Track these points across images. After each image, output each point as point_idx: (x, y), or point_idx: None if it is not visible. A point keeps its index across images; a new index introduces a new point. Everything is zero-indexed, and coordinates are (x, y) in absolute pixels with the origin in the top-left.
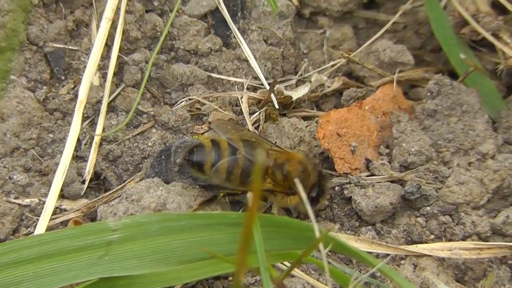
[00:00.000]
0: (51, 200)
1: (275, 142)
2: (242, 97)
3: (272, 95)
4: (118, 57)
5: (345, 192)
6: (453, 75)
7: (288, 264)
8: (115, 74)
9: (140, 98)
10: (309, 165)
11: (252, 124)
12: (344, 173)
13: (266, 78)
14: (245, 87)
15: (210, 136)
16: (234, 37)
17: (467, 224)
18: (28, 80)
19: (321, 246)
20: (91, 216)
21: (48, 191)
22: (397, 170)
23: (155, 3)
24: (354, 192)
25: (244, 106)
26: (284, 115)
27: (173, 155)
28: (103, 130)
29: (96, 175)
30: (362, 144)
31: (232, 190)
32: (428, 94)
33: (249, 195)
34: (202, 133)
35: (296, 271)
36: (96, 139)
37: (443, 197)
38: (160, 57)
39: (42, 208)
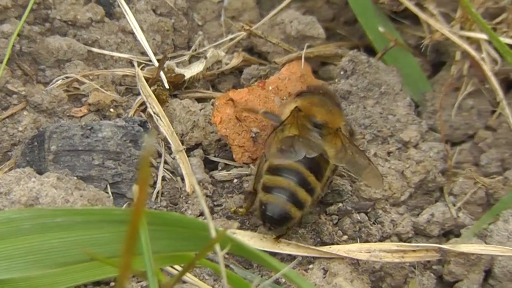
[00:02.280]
0: None
1: None
2: (124, 76)
3: (162, 73)
4: None
5: (245, 185)
6: (371, 51)
7: (180, 268)
8: None
9: (10, 76)
10: None
11: (139, 107)
12: (244, 163)
13: (155, 54)
14: (136, 65)
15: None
16: (119, 6)
17: (385, 223)
18: None
19: (217, 247)
20: None
21: None
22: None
23: None
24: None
25: (142, 85)
26: (175, 96)
27: (47, 141)
28: None
29: None
30: (265, 130)
31: None
32: (341, 72)
33: (135, 188)
34: (81, 117)
35: (188, 276)
36: None
37: (358, 192)
38: (33, 28)
39: None
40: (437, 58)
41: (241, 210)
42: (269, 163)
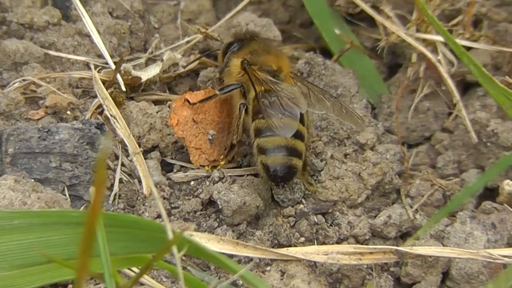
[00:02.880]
0: None
1: None
2: (81, 78)
3: (118, 75)
4: None
5: (202, 187)
6: (327, 53)
7: (137, 270)
8: None
9: None
10: None
11: (96, 109)
12: (201, 165)
13: (112, 56)
14: (93, 67)
15: None
16: (75, 9)
17: (342, 225)
18: None
19: (174, 249)
20: None
21: None
22: None
23: None
24: (214, 187)
25: (99, 88)
26: (132, 98)
27: (4, 144)
28: None
29: None
30: (221, 133)
31: None
32: (298, 74)
33: (92, 190)
34: (38, 119)
35: (146, 278)
36: None
37: (315, 193)
38: None
39: None
40: (393, 60)
41: (221, 162)
42: (256, 125)
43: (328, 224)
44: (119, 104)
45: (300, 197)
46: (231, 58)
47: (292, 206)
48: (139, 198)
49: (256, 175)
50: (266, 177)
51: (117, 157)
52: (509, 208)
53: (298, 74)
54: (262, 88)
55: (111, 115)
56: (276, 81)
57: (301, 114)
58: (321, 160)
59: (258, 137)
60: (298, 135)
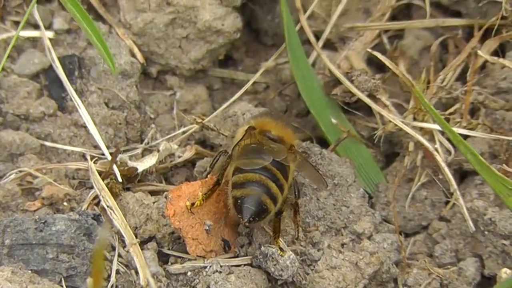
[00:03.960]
0: None
1: None
2: (77, 169)
3: (115, 166)
4: None
5: (199, 278)
6: (323, 143)
7: None
8: None
9: None
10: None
11: (92, 200)
12: (198, 256)
13: (108, 147)
14: (89, 158)
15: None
16: (71, 100)
17: None
18: None
19: None
20: None
21: None
22: (258, 252)
23: None
24: (211, 278)
25: (95, 179)
26: (128, 189)
27: (1, 235)
28: None
29: None
30: (218, 223)
31: None
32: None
33: (89, 281)
34: (34, 210)
35: None
36: None
37: (311, 283)
38: None
39: None
40: (390, 149)
41: (198, 201)
42: (235, 166)
43: None
44: (115, 195)
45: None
46: (243, 124)
47: None
48: None
49: (253, 265)
50: (234, 211)
51: (113, 248)
52: None
53: (300, 151)
54: (250, 140)
55: (107, 206)
56: (268, 138)
57: (284, 169)
58: (318, 250)
59: (233, 175)
60: (274, 180)
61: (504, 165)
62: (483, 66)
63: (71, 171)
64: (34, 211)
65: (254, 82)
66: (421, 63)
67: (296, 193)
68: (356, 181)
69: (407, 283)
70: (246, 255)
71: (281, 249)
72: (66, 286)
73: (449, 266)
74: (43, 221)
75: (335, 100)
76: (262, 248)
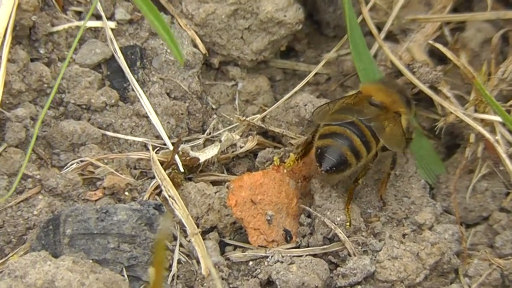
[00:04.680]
0: None
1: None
2: (139, 159)
3: (176, 156)
4: None
5: (261, 267)
6: None
7: None
8: None
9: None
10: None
11: (154, 190)
12: (259, 246)
13: (169, 137)
14: (151, 148)
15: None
16: (133, 90)
17: None
18: None
19: None
20: None
21: None
22: (320, 243)
23: (41, 51)
24: (272, 268)
25: (157, 169)
26: (190, 179)
27: (62, 225)
28: None
29: None
30: (279, 213)
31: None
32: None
33: (150, 270)
34: (96, 200)
35: None
36: None
37: (374, 274)
38: (47, 112)
39: None
40: (451, 141)
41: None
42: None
43: None
44: (177, 185)
45: (360, 278)
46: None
47: (351, 287)
48: (197, 278)
49: (315, 255)
50: (315, 163)
51: (175, 238)
52: None
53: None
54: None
55: (169, 196)
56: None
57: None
58: (380, 240)
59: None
60: (360, 135)
61: None
62: None
63: (132, 161)
64: (95, 200)
65: (316, 74)
66: (482, 56)
67: (392, 164)
68: (417, 172)
69: (468, 274)
70: (308, 246)
71: (350, 217)
72: (127, 275)
73: (509, 257)
74: (104, 211)
75: None
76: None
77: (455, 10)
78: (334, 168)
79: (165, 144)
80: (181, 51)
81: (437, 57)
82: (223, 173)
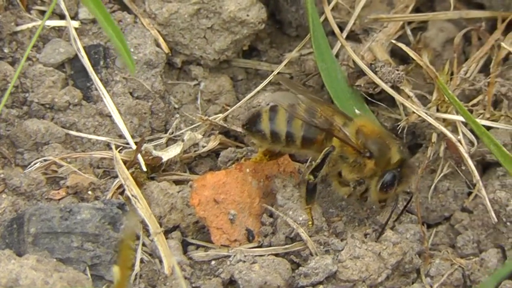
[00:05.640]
0: None
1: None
2: (102, 158)
3: (139, 156)
4: None
5: (223, 267)
6: None
7: None
8: None
9: None
10: (391, 139)
11: (117, 189)
12: (222, 245)
13: (132, 137)
14: (114, 148)
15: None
16: (96, 89)
17: None
18: None
19: None
20: None
21: None
22: (282, 242)
23: (6, 50)
24: (235, 267)
25: (120, 168)
26: (152, 178)
27: (26, 224)
28: None
29: None
30: (242, 213)
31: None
32: None
33: (114, 269)
34: (59, 199)
35: None
36: None
37: (335, 274)
38: (10, 112)
39: None
40: (414, 140)
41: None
42: None
43: None
44: (140, 184)
45: (322, 277)
46: None
47: (313, 286)
48: (160, 278)
49: (277, 254)
50: None
51: (138, 237)
52: None
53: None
54: None
55: (132, 195)
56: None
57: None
58: (342, 240)
59: None
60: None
61: None
62: (506, 58)
63: (95, 160)
64: (59, 200)
65: (278, 73)
66: (444, 55)
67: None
68: None
69: (430, 274)
70: (270, 245)
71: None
72: (91, 274)
73: (471, 257)
74: (68, 210)
75: (359, 91)
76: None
77: (417, 9)
78: (247, 124)
79: (128, 144)
80: (133, 60)
81: (400, 57)
82: (186, 172)
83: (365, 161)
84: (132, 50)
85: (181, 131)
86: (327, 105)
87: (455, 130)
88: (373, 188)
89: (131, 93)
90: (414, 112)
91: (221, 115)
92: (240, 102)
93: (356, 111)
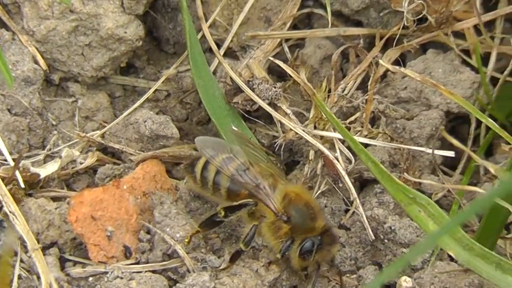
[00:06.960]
0: None
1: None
2: None
3: (17, 172)
4: None
5: (101, 283)
6: None
7: None
8: None
9: None
10: (320, 211)
11: None
12: (99, 261)
13: (10, 153)
14: None
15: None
16: None
17: None
18: None
19: None
20: None
21: None
22: (159, 259)
23: None
24: (112, 284)
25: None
26: (30, 195)
27: None
28: None
29: None
30: (119, 229)
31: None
32: None
33: None
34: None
35: None
36: None
37: None
38: None
39: None
40: (291, 157)
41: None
42: None
43: None
44: (18, 201)
45: None
46: None
47: None
48: None
49: (154, 271)
50: None
51: (16, 253)
52: None
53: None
54: None
55: (10, 212)
56: None
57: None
58: (219, 257)
59: None
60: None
61: (404, 173)
62: (384, 76)
63: None
64: None
65: (156, 90)
66: (322, 72)
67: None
68: None
69: None
70: (148, 262)
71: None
72: None
73: (348, 274)
74: None
75: (236, 108)
76: None
77: (295, 26)
78: (186, 164)
79: (6, 160)
80: (12, 76)
81: (277, 74)
82: (63, 189)
83: (281, 224)
84: (10, 67)
85: (58, 148)
86: (270, 165)
87: (332, 148)
88: (293, 254)
89: (9, 110)
90: (291, 129)
91: (98, 132)
92: (118, 119)
93: (234, 128)
